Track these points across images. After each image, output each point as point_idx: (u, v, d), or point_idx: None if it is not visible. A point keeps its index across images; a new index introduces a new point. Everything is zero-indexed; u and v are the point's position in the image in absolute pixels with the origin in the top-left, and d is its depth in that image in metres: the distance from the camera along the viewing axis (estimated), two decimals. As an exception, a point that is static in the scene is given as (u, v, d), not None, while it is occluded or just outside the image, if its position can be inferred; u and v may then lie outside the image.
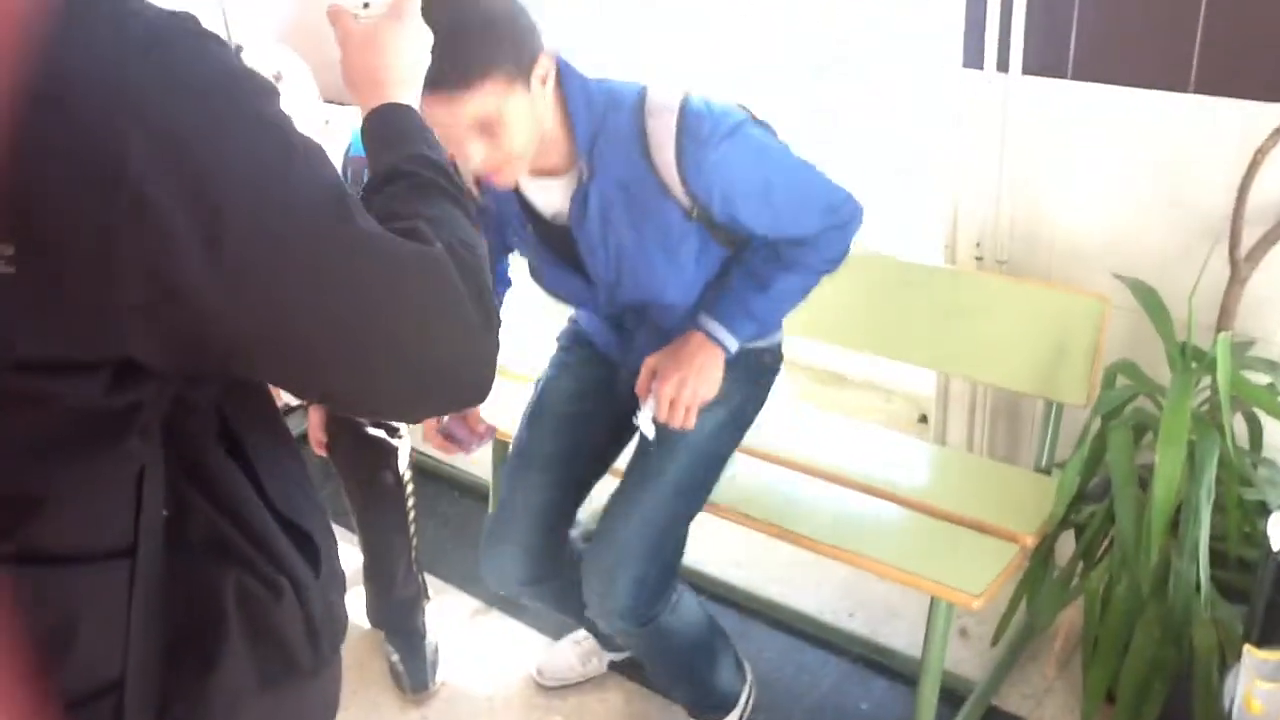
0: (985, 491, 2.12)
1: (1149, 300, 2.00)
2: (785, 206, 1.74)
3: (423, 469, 2.95)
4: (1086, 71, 2.11)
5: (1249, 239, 1.94)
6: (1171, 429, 1.76)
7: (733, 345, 1.79)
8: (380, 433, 2.32)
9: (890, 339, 2.33)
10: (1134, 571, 1.81)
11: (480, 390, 0.93)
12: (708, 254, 1.79)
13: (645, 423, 1.78)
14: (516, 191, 1.78)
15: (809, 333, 2.39)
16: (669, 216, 1.71)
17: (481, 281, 0.92)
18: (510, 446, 2.07)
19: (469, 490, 3.07)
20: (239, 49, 2.30)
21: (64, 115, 0.70)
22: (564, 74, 1.64)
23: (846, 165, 2.17)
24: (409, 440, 2.40)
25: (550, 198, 1.76)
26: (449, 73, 1.43)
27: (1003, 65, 2.18)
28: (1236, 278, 1.95)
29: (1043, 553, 2.03)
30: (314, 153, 0.83)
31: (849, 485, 2.17)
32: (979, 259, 2.35)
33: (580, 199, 1.70)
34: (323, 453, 2.34)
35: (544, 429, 2.04)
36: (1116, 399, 1.98)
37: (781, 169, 1.73)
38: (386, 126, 1.09)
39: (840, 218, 1.78)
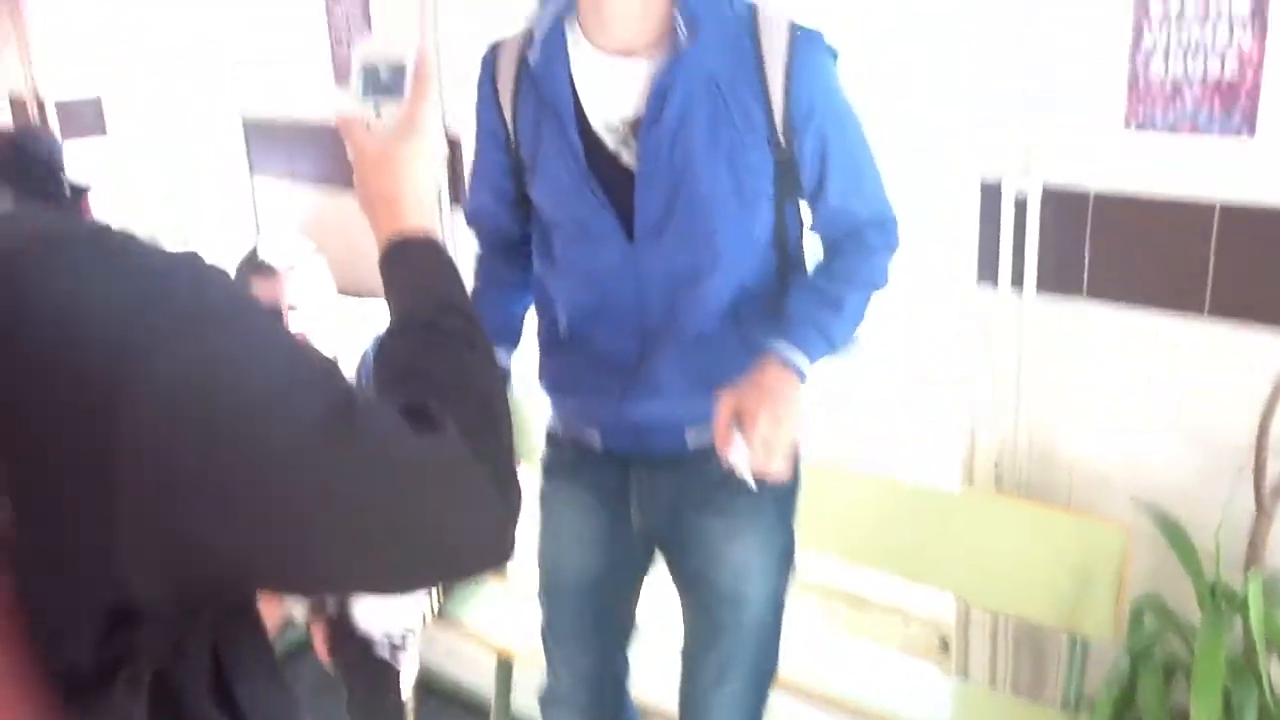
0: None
1: (1174, 535, 1.91)
2: (860, 159, 1.62)
3: (427, 685, 2.84)
4: (1101, 290, 2.08)
5: (1275, 472, 1.86)
6: (1205, 677, 1.65)
7: (807, 370, 1.55)
8: (386, 655, 2.27)
9: (908, 561, 2.25)
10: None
11: (501, 557, 0.88)
12: (763, 229, 1.62)
13: (744, 468, 1.48)
14: (573, 92, 1.57)
15: (825, 547, 2.31)
16: (754, 136, 1.53)
17: (499, 446, 0.90)
18: (540, 617, 1.91)
19: (473, 708, 2.95)
20: (255, 246, 2.34)
21: (55, 355, 0.68)
22: None
23: (863, 378, 2.14)
24: (415, 659, 2.33)
25: (618, 90, 1.54)
26: None
27: (1017, 282, 2.16)
28: (1264, 511, 1.86)
29: (1071, 804, 1.87)
30: (318, 368, 0.81)
31: (865, 721, 2.05)
32: (997, 480, 2.28)
33: (663, 86, 1.50)
34: (327, 660, 2.29)
35: (564, 603, 1.86)
36: (1146, 640, 1.87)
37: (857, 123, 1.62)
38: (406, 261, 1.05)
39: (889, 223, 1.66)
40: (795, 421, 1.49)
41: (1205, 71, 1.89)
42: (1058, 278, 2.12)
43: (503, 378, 0.97)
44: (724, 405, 1.49)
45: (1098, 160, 2.02)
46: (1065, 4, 1.99)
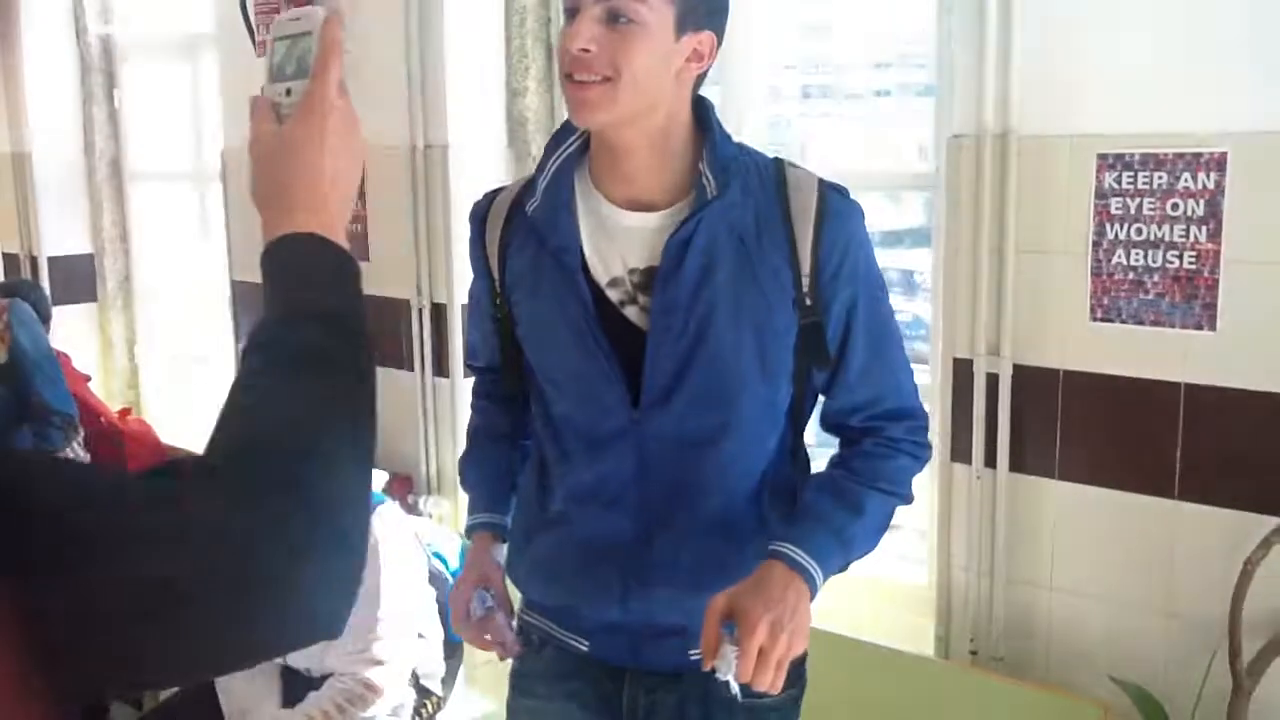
0: None
1: (1152, 712, 1.93)
2: (887, 337, 1.48)
3: None
4: (1073, 473, 2.15)
5: (1249, 650, 1.90)
6: None
7: (819, 581, 1.36)
8: None
9: (883, 732, 2.23)
10: None
11: (334, 624, 0.77)
12: (783, 398, 1.47)
13: (729, 676, 1.29)
14: (579, 251, 1.44)
15: None
16: (780, 296, 1.40)
17: (329, 498, 0.77)
18: None
19: None
20: None
21: None
22: (707, 106, 1.45)
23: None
24: None
25: (630, 242, 1.43)
26: None
27: (990, 462, 2.23)
28: (1240, 690, 1.89)
29: None
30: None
31: None
32: (974, 653, 2.29)
33: (683, 238, 1.39)
34: None
35: None
36: (1126, 818, 1.87)
37: (886, 298, 1.50)
38: (289, 262, 0.89)
39: (918, 422, 1.50)
40: (800, 636, 1.30)
41: (1164, 264, 2.01)
42: (1030, 459, 2.19)
43: (371, 405, 0.83)
44: (717, 603, 1.31)
45: (1066, 344, 2.12)
46: (1028, 190, 2.12)
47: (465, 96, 3.00)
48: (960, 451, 2.27)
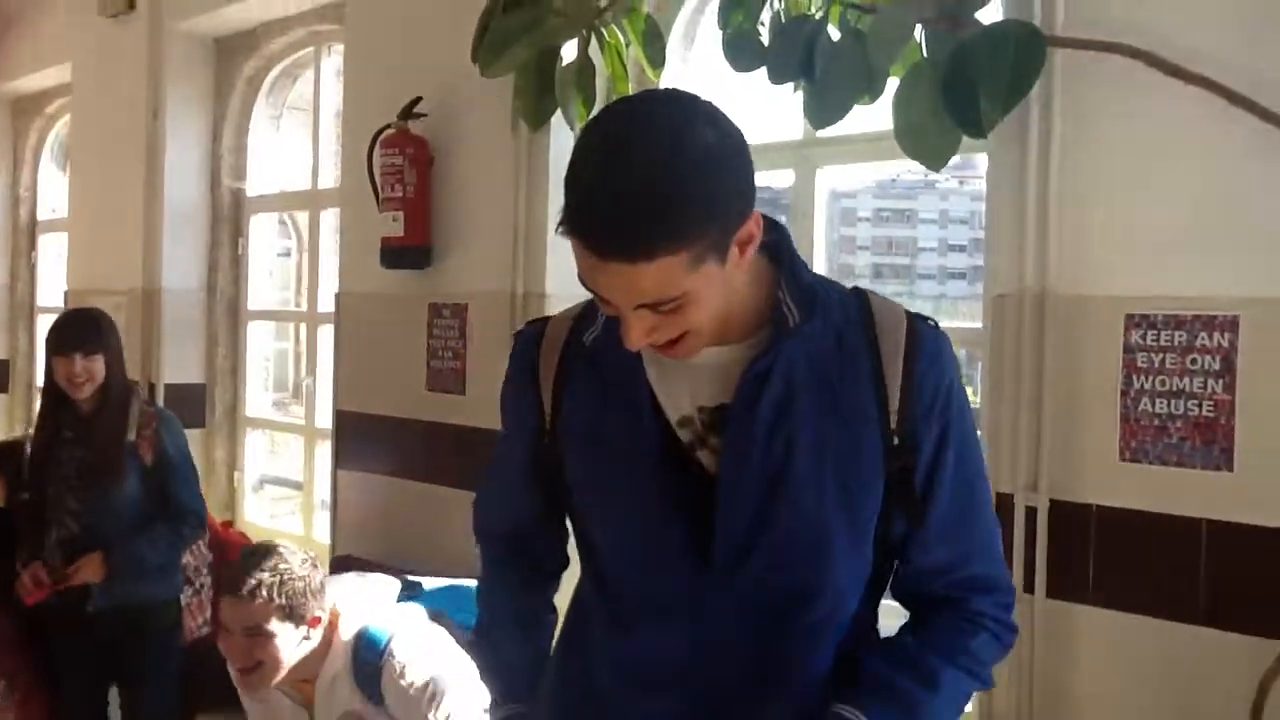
0: None
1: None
2: (976, 489, 1.34)
3: None
4: (1105, 599, 2.35)
5: (1267, 765, 2.05)
6: None
7: None
8: None
9: None
10: None
11: None
12: (868, 558, 1.31)
13: None
14: (646, 384, 1.28)
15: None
16: (867, 435, 1.26)
17: None
18: None
19: None
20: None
21: None
22: (783, 233, 1.31)
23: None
24: None
25: (700, 378, 1.26)
26: (616, 235, 1.10)
27: (1029, 589, 2.43)
28: (1259, 803, 2.03)
29: None
30: None
31: None
32: (1015, 771, 2.44)
33: (760, 370, 1.23)
34: None
35: None
36: None
37: (979, 449, 1.36)
38: None
39: (1004, 596, 1.35)
40: None
41: (1186, 412, 2.26)
42: (1065, 585, 2.40)
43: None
44: None
45: (1099, 482, 2.36)
46: (1063, 344, 2.39)
47: (564, 249, 3.37)
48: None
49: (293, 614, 2.14)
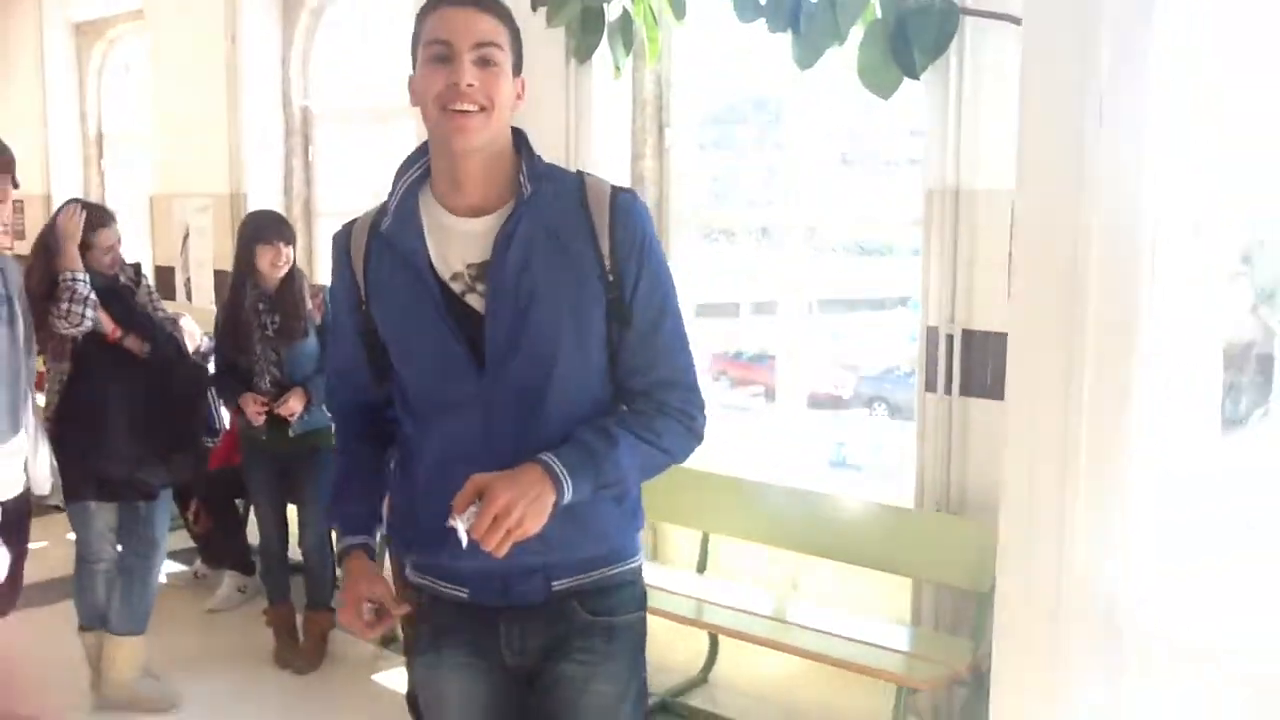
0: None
1: None
2: (667, 305, 1.78)
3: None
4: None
5: None
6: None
7: (568, 493, 1.66)
8: None
9: None
10: None
11: None
12: (598, 359, 1.77)
13: (461, 527, 1.60)
14: (425, 254, 1.74)
15: None
16: (586, 268, 1.72)
17: None
18: None
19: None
20: None
21: None
22: (523, 135, 1.79)
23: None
24: None
25: (467, 241, 1.73)
26: None
27: (948, 390, 3.55)
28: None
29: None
30: None
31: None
32: None
33: (508, 232, 1.70)
34: None
35: None
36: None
37: (669, 276, 1.81)
38: None
39: (691, 395, 1.80)
40: (533, 519, 1.61)
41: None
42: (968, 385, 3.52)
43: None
44: (478, 479, 1.61)
45: (993, 313, 3.47)
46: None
47: (602, 161, 4.38)
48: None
49: None
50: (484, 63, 1.66)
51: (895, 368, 5.37)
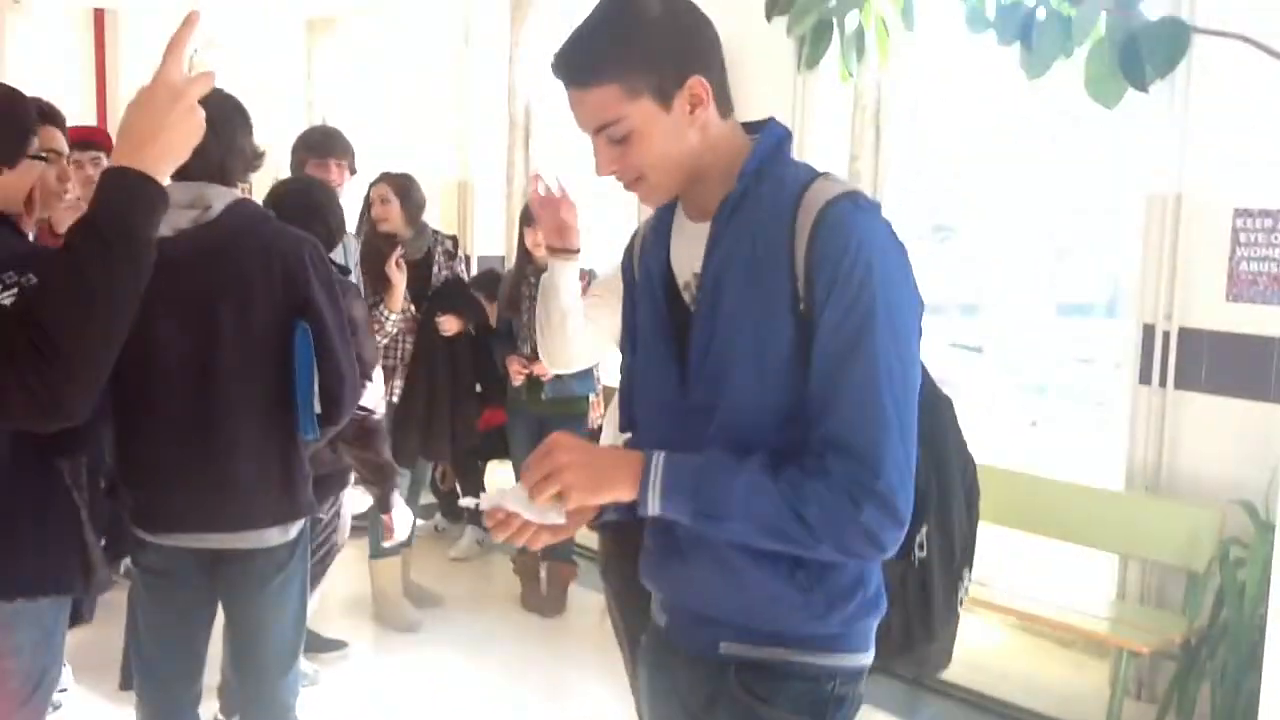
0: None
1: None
2: (855, 359, 1.44)
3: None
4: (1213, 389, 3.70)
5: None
6: None
7: (652, 504, 1.49)
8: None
9: None
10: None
11: (49, 416, 1.38)
12: (777, 394, 1.51)
13: (479, 499, 1.54)
14: (666, 257, 1.65)
15: None
16: (776, 293, 1.49)
17: (34, 319, 1.30)
18: None
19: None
20: None
21: None
22: (769, 128, 1.59)
23: None
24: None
25: (694, 248, 1.59)
26: (569, 64, 1.50)
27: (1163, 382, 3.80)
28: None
29: None
30: None
31: None
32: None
33: (712, 241, 1.56)
34: None
35: None
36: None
37: (876, 330, 1.45)
38: (111, 185, 1.31)
39: (864, 494, 1.43)
40: (582, 490, 1.48)
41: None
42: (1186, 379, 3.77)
43: (121, 293, 1.36)
44: (557, 437, 1.53)
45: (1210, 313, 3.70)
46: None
47: (821, 163, 4.69)
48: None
49: None
50: (613, 141, 1.52)
51: (1090, 359, 5.59)
